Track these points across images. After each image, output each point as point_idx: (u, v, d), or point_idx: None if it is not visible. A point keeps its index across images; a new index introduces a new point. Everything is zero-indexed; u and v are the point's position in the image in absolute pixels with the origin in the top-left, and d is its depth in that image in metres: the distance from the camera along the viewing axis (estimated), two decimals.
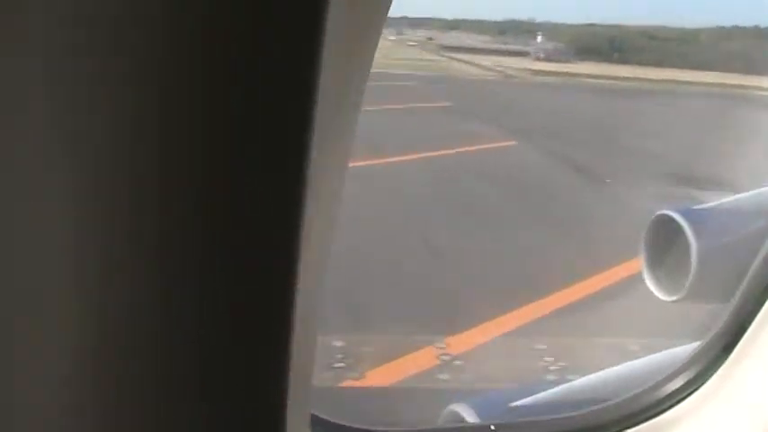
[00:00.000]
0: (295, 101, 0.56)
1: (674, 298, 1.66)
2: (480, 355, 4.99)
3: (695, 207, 1.66)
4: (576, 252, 6.92)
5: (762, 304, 1.36)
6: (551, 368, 4.69)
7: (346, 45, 0.60)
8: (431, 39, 43.66)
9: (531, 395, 1.57)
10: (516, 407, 1.56)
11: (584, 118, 15.70)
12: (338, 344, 4.89)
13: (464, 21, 55.33)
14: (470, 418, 1.53)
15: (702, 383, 1.42)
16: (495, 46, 38.86)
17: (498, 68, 27.03)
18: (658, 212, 1.70)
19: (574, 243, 7.26)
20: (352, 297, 5.43)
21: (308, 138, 0.56)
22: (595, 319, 5.49)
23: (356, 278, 5.79)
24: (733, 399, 1.38)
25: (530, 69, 27.54)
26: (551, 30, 38.56)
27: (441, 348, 4.98)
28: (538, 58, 32.49)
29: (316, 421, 1.07)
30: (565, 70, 27.16)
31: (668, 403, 1.44)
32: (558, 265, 6.54)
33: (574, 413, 1.49)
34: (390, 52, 34.66)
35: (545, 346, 5.00)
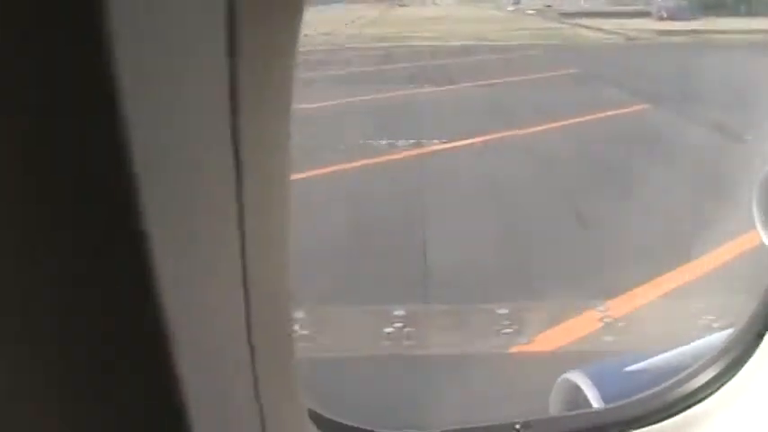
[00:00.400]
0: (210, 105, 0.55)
1: None
2: (641, 316, 5.20)
3: None
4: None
5: None
6: (714, 325, 4.76)
7: (260, 45, 0.58)
8: (549, 6, 43.28)
9: (645, 360, 1.56)
10: (631, 372, 1.55)
11: (714, 77, 15.52)
12: (502, 311, 5.22)
13: None
14: (585, 385, 1.52)
15: (734, 374, 1.39)
16: (615, 8, 38.28)
17: (620, 31, 26.73)
18: None
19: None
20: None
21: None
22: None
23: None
24: (758, 398, 1.36)
25: (654, 30, 27.11)
26: None
27: (602, 312, 5.24)
28: (660, 18, 31.88)
29: (316, 418, 1.06)
30: (690, 28, 26.62)
31: (700, 395, 1.41)
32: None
33: (601, 408, 1.49)
34: (511, 23, 34.72)
35: (703, 305, 5.17)
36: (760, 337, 1.36)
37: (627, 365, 1.57)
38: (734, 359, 1.39)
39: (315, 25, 36.11)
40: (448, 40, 26.13)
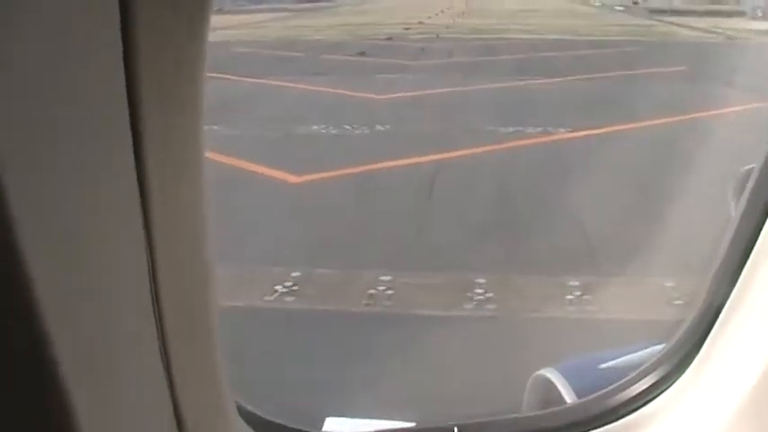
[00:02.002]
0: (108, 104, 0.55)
1: None
2: None
3: None
4: None
5: (727, 299, 1.35)
6: None
7: (164, 45, 0.59)
8: (636, 2, 42.91)
9: (620, 358, 1.57)
10: (606, 369, 1.54)
11: None
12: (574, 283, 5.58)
13: None
14: (559, 382, 1.53)
15: (674, 381, 1.40)
16: (705, 7, 37.82)
17: (718, 30, 26.56)
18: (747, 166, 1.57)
19: None
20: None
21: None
22: None
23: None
24: (701, 398, 1.37)
25: (751, 29, 26.88)
26: None
27: None
28: (755, 17, 31.54)
29: (247, 415, 1.05)
30: None
31: (636, 403, 1.42)
32: None
33: (542, 412, 1.50)
34: (601, 19, 34.64)
35: None
36: (696, 348, 1.37)
37: (601, 362, 1.57)
38: (669, 370, 1.40)
39: (398, 14, 36.54)
40: (543, 34, 26.27)
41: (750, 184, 1.33)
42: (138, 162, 0.59)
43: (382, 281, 5.70)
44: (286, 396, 4.06)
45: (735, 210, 1.52)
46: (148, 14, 0.56)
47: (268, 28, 31.26)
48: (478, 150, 9.80)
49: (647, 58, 19.39)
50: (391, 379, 4.36)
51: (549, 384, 1.55)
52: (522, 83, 15.48)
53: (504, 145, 10.14)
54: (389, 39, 24.70)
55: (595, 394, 1.45)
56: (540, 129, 10.97)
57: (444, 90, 14.47)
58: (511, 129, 10.99)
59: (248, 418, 1.04)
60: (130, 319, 0.62)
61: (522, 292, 5.58)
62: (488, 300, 5.45)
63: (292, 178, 8.65)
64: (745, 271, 1.32)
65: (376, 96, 13.93)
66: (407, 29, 28.39)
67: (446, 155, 9.53)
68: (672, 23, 30.89)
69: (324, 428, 4.22)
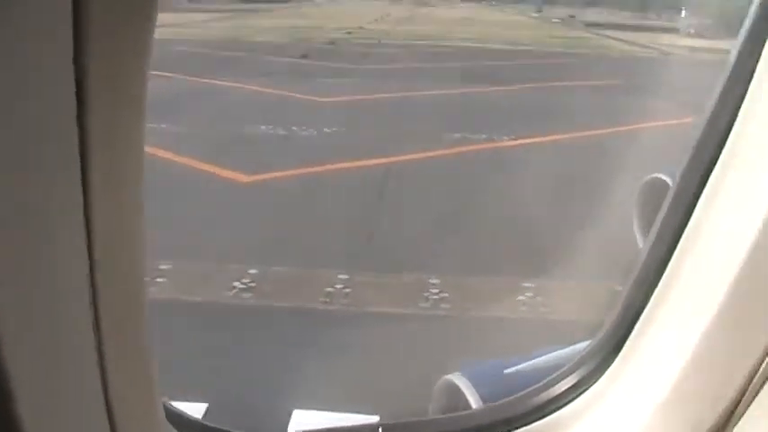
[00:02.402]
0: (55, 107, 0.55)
1: None
2: None
3: None
4: None
5: (647, 302, 1.36)
6: None
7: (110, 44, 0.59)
8: (573, 16, 43.67)
9: (526, 362, 1.58)
10: (510, 374, 1.55)
11: None
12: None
13: None
14: (465, 387, 1.53)
15: (592, 384, 1.42)
16: (641, 22, 38.65)
17: (653, 45, 27.22)
18: (651, 175, 1.66)
19: None
20: None
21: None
22: None
23: None
24: (620, 399, 1.38)
25: (684, 46, 27.59)
26: (693, 5, 38.05)
27: None
28: (689, 34, 32.32)
29: (174, 417, 1.05)
30: (721, 47, 27.05)
31: (557, 404, 1.43)
32: None
33: (463, 413, 1.50)
34: (540, 31, 35.21)
35: None
36: (615, 351, 1.39)
37: (505, 368, 1.57)
38: (587, 373, 1.42)
39: (338, 18, 36.61)
40: (485, 43, 26.61)
41: (673, 186, 1.34)
42: (82, 159, 0.58)
43: (340, 279, 5.79)
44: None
45: (637, 215, 1.64)
46: (99, 8, 0.56)
47: (207, 28, 31.07)
48: (428, 154, 9.96)
49: (584, 70, 19.81)
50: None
51: (455, 389, 1.55)
52: (465, 90, 15.72)
53: (451, 150, 10.31)
54: (332, 43, 24.74)
55: (513, 396, 1.45)
56: (484, 136, 11.17)
57: (389, 95, 14.60)
58: (457, 135, 11.16)
59: (175, 420, 1.04)
60: (69, 320, 0.62)
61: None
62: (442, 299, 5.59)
63: (243, 178, 8.68)
64: (666, 272, 1.33)
65: (321, 99, 14.00)
66: (349, 33, 28.47)
67: (395, 158, 9.67)
68: (608, 37, 31.53)
69: (291, 420, 4.35)
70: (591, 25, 37.51)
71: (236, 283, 5.72)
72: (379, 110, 13.41)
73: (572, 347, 1.57)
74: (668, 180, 1.54)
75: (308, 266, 6.14)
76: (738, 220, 1.22)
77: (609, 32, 33.19)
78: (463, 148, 10.47)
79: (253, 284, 5.73)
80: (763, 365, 1.24)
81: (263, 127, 11.38)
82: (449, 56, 22.12)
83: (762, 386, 1.24)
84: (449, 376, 1.59)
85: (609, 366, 1.41)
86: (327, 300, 5.54)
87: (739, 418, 1.26)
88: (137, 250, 0.70)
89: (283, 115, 12.33)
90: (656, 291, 1.35)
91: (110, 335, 0.66)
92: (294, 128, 11.42)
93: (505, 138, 11.12)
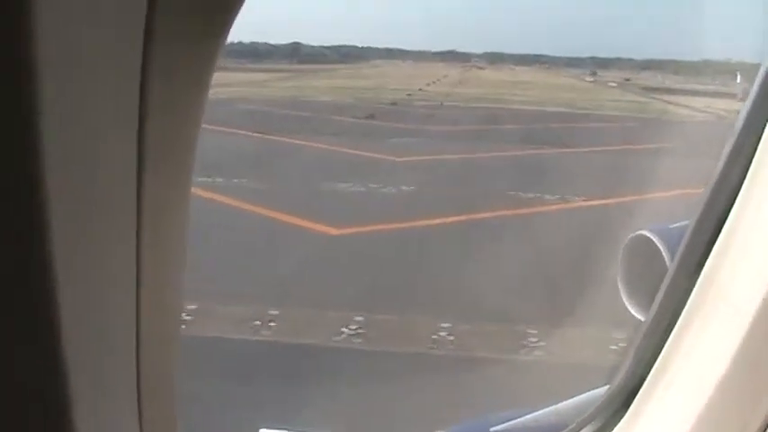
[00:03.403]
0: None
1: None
2: None
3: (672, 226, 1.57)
4: None
5: (656, 358, 1.36)
6: None
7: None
8: (628, 80, 43.98)
9: (511, 420, 1.56)
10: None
11: None
12: None
13: (653, 60, 55.13)
14: None
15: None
16: (696, 87, 38.74)
17: (710, 110, 27.37)
18: (636, 233, 1.65)
19: None
20: None
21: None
22: None
23: None
24: None
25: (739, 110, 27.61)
26: (749, 69, 37.92)
27: None
28: (743, 99, 32.27)
29: None
30: None
31: None
32: None
33: None
34: (597, 94, 35.56)
35: None
36: (633, 393, 1.39)
37: (493, 424, 1.55)
38: (610, 416, 1.42)
39: (396, 80, 37.19)
40: (543, 106, 27.01)
41: (683, 244, 1.34)
42: (139, 166, 0.63)
43: (442, 327, 6.12)
44: None
45: (621, 272, 1.62)
46: (165, 55, 0.61)
47: (270, 87, 31.87)
48: (505, 213, 10.30)
49: (644, 133, 19.96)
50: None
51: None
52: (530, 152, 16.06)
53: (528, 210, 10.64)
54: (394, 104, 25.37)
55: None
56: (557, 196, 11.47)
57: (459, 156, 15.02)
58: (531, 194, 11.47)
59: None
60: (116, 317, 0.66)
61: None
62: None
63: (332, 230, 9.09)
64: (678, 323, 1.33)
65: (393, 158, 14.44)
66: (409, 95, 29.09)
67: (475, 215, 10.02)
68: (664, 101, 31.73)
69: None
70: (647, 89, 37.74)
71: (344, 329, 6.08)
72: (451, 169, 13.81)
73: (560, 404, 1.57)
74: (652, 237, 1.54)
75: (410, 314, 6.47)
76: (748, 278, 1.21)
77: (665, 97, 33.37)
78: (539, 208, 10.78)
79: (361, 331, 6.08)
80: None
81: (341, 184, 11.82)
82: (510, 118, 22.52)
83: None
84: None
85: (619, 421, 1.41)
86: (434, 346, 5.86)
87: None
88: (179, 271, 0.75)
89: (359, 173, 12.79)
90: (666, 346, 1.34)
91: (147, 338, 0.70)
92: (372, 185, 11.84)
93: (577, 198, 11.41)
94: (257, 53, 49.11)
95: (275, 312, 6.32)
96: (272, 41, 50.49)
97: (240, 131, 16.74)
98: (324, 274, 7.70)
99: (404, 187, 11.85)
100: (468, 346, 5.91)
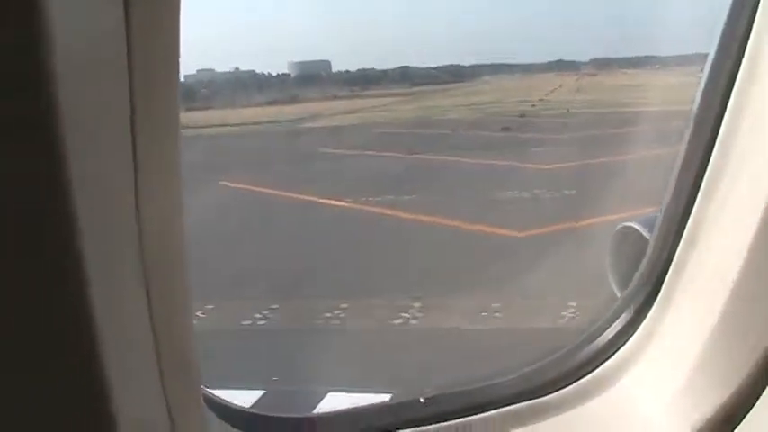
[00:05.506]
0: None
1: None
2: None
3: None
4: None
5: (676, 248, 1.39)
6: None
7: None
8: None
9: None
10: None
11: None
12: None
13: None
14: None
15: (632, 333, 1.44)
16: None
17: None
18: (623, 224, 1.70)
19: None
20: None
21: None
22: None
23: None
24: (662, 346, 1.40)
25: None
26: None
27: None
28: None
29: (214, 404, 1.12)
30: None
31: (600, 359, 1.46)
32: None
33: (501, 380, 1.51)
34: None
35: None
36: (657, 289, 1.44)
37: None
38: (627, 322, 1.47)
39: (513, 93, 37.33)
40: (670, 105, 26.89)
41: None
42: (135, 170, 0.69)
43: None
44: None
45: (610, 263, 1.68)
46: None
47: (394, 111, 32.75)
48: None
49: None
50: None
51: None
52: (672, 149, 16.55)
53: None
54: (522, 115, 25.96)
55: (554, 356, 1.51)
56: None
57: (605, 159, 15.58)
58: None
59: (218, 409, 1.14)
60: (128, 313, 0.73)
61: None
62: None
63: (517, 234, 10.08)
64: (692, 216, 1.38)
65: (545, 167, 15.31)
66: (533, 106, 29.56)
67: (637, 211, 10.79)
68: None
69: (323, 402, 5.09)
70: None
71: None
72: (604, 173, 14.43)
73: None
74: (640, 228, 1.59)
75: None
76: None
77: None
78: None
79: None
80: None
81: (509, 192, 12.82)
82: (637, 119, 22.71)
83: None
84: None
85: (648, 310, 1.44)
86: None
87: None
88: (182, 252, 0.80)
89: (519, 181, 13.75)
90: (684, 237, 1.37)
91: (162, 330, 0.76)
92: (536, 191, 12.78)
93: None
94: (367, 79, 50.38)
95: (496, 305, 7.28)
96: (379, 67, 51.65)
97: (387, 153, 17.71)
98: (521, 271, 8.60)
99: (565, 191, 12.75)
100: None
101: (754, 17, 1.26)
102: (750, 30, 1.26)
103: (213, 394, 1.13)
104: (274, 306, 7.79)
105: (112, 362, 0.63)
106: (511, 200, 12.40)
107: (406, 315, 7.39)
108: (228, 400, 1.23)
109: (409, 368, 5.94)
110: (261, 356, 6.62)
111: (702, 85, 1.35)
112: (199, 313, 7.07)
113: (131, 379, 0.72)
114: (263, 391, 5.59)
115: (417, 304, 7.59)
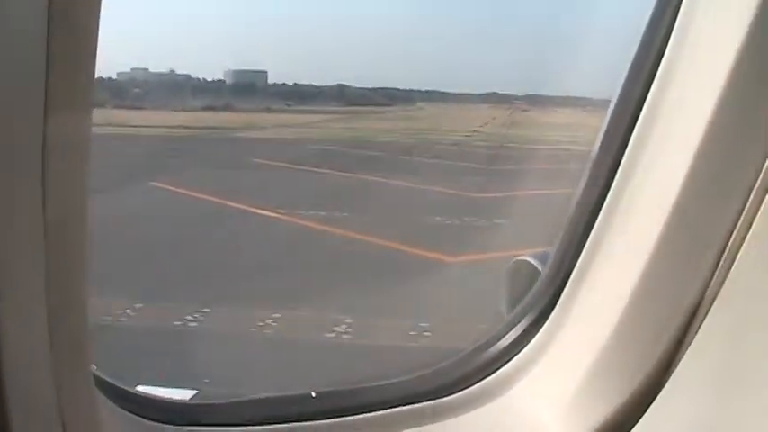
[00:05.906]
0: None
1: None
2: None
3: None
4: None
5: (581, 250, 1.39)
6: None
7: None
8: None
9: None
10: None
11: None
12: None
13: None
14: None
15: (530, 340, 1.46)
16: None
17: None
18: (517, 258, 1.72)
19: None
20: None
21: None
22: None
23: None
24: (567, 343, 1.41)
25: None
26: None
27: None
28: None
29: (102, 383, 1.10)
30: None
31: (497, 364, 1.46)
32: None
33: (399, 379, 1.51)
34: None
35: None
36: (558, 292, 1.45)
37: None
38: (535, 317, 1.49)
39: (448, 122, 37.49)
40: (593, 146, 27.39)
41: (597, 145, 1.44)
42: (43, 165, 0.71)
43: None
44: None
45: (504, 294, 1.69)
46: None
47: (327, 128, 32.65)
48: None
49: None
50: None
51: None
52: None
53: None
54: (456, 144, 26.12)
55: (455, 358, 1.53)
56: None
57: (536, 192, 15.72)
58: None
59: (108, 390, 1.14)
60: (25, 300, 0.75)
61: None
62: None
63: (447, 258, 10.05)
64: (599, 218, 1.40)
65: (475, 195, 15.39)
66: (468, 136, 29.73)
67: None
68: None
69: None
70: None
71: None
72: (537, 205, 14.55)
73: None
74: (534, 263, 1.61)
75: None
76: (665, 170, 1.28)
77: None
78: None
79: None
80: (700, 309, 1.26)
81: (437, 218, 12.82)
82: (569, 158, 23.02)
83: (698, 329, 1.26)
84: None
85: (547, 318, 1.46)
86: None
87: (679, 361, 1.27)
88: (83, 235, 0.81)
89: (449, 208, 13.79)
90: (585, 249, 1.40)
91: (54, 302, 0.77)
92: (466, 218, 12.79)
93: None
94: (303, 94, 50.23)
95: (424, 325, 7.21)
96: (316, 83, 51.53)
97: (321, 170, 17.65)
98: (451, 300, 8.58)
99: (495, 220, 12.79)
100: None
101: (660, 60, 1.31)
102: (655, 71, 1.32)
103: (103, 375, 1.14)
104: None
105: (4, 337, 0.66)
106: (438, 225, 12.42)
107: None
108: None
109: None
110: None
111: (604, 127, 1.42)
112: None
113: (22, 354, 0.73)
114: None
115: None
